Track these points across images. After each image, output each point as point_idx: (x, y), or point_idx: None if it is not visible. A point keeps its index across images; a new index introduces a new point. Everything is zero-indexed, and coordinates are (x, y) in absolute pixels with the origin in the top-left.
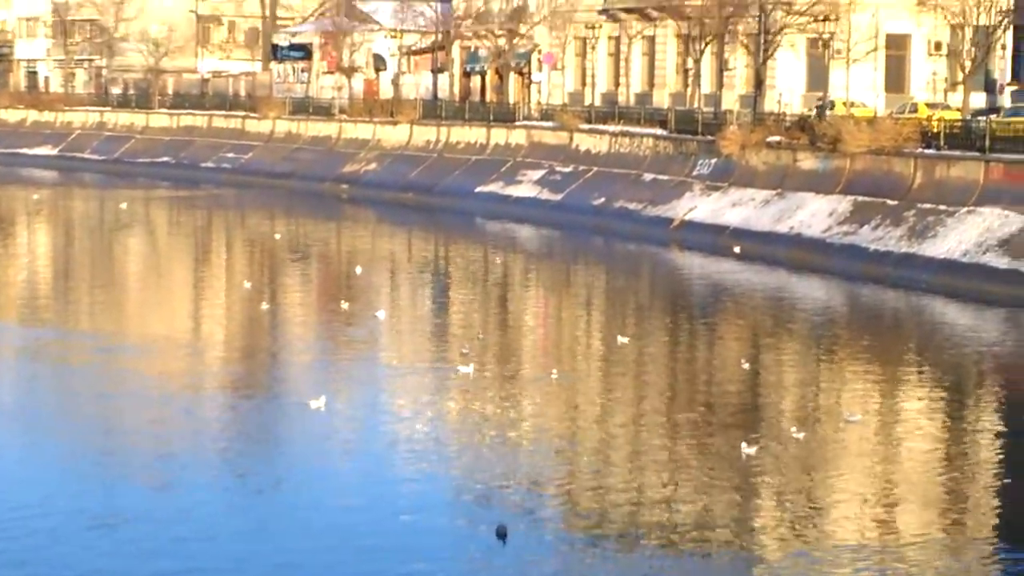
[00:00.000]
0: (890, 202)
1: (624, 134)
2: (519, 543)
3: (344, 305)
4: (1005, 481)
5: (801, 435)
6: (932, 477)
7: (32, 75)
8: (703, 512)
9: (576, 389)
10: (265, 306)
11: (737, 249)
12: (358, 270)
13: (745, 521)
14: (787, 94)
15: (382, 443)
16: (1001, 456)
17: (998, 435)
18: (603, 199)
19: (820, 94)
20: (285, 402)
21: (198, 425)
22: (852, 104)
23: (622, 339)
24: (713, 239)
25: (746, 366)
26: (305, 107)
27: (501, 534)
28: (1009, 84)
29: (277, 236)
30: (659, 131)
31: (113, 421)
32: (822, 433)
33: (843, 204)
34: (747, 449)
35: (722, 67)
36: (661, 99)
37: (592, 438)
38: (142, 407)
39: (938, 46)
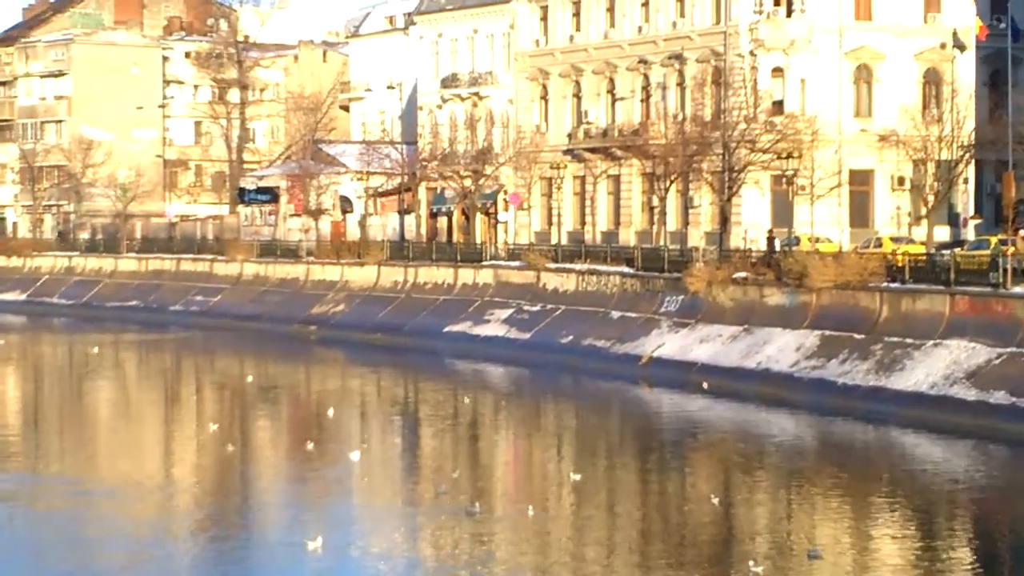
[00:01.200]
0: (857, 336)
1: (591, 272)
2: None
3: (309, 446)
4: None
5: (759, 569)
6: None
7: (0, 220)
8: None
9: (553, 526)
10: (231, 447)
11: (705, 385)
12: (330, 412)
13: None
14: (752, 230)
15: None
16: None
17: (967, 567)
18: (571, 337)
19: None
20: (282, 543)
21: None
22: (817, 239)
23: (575, 477)
24: (682, 375)
25: (715, 501)
26: (273, 249)
27: None
28: (972, 217)
29: (249, 379)
30: (626, 269)
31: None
32: (782, 567)
33: (810, 338)
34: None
35: (687, 204)
36: (627, 237)
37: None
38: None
39: (901, 181)
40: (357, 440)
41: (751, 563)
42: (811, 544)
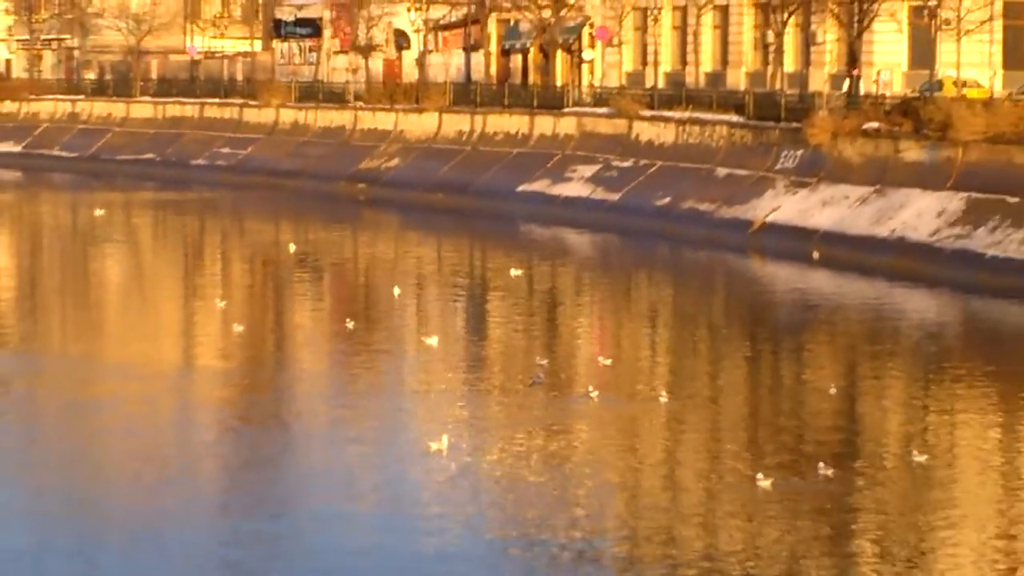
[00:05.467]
0: (1010, 199)
1: (693, 122)
2: None
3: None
4: None
5: (830, 471)
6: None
7: None
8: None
9: (650, 415)
10: (238, 327)
11: (816, 255)
12: (396, 291)
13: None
14: (887, 72)
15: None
16: None
17: None
18: (669, 199)
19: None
20: (406, 443)
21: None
22: (964, 84)
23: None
24: (800, 245)
25: (832, 391)
26: (314, 93)
27: None
28: None
29: (291, 248)
30: (735, 118)
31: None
32: (872, 471)
33: (954, 202)
34: (762, 483)
35: (809, 41)
36: (736, 80)
37: (690, 459)
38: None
39: None
40: (430, 323)
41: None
42: (922, 448)
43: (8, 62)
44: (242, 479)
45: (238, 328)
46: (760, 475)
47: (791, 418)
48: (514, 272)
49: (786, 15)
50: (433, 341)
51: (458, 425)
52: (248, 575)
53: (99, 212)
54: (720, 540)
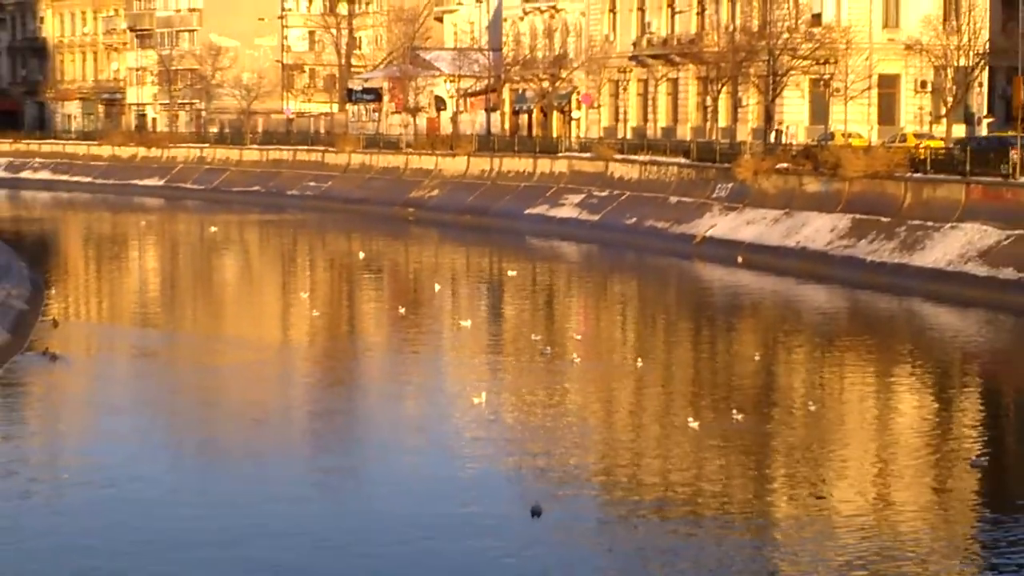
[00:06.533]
0: (884, 219)
1: (652, 163)
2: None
3: (401, 311)
4: (980, 456)
5: (740, 416)
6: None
7: (141, 117)
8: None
9: (638, 375)
10: (314, 312)
11: (740, 259)
12: (436, 287)
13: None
14: (793, 127)
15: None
16: (976, 434)
17: (969, 416)
18: (635, 219)
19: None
20: (451, 395)
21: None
22: (850, 135)
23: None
24: (731, 253)
25: (756, 358)
26: (376, 142)
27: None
28: (985, 116)
29: (360, 255)
30: (683, 160)
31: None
32: (786, 417)
33: (843, 221)
34: (692, 423)
35: (736, 104)
36: (684, 132)
37: (644, 407)
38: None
39: (923, 84)
40: (463, 310)
41: (733, 410)
42: (815, 399)
43: (154, 120)
44: (326, 423)
45: (315, 313)
46: (691, 419)
47: (721, 376)
48: (511, 273)
49: (720, 85)
50: (467, 323)
51: (492, 384)
52: (331, 492)
53: (213, 229)
54: (664, 464)
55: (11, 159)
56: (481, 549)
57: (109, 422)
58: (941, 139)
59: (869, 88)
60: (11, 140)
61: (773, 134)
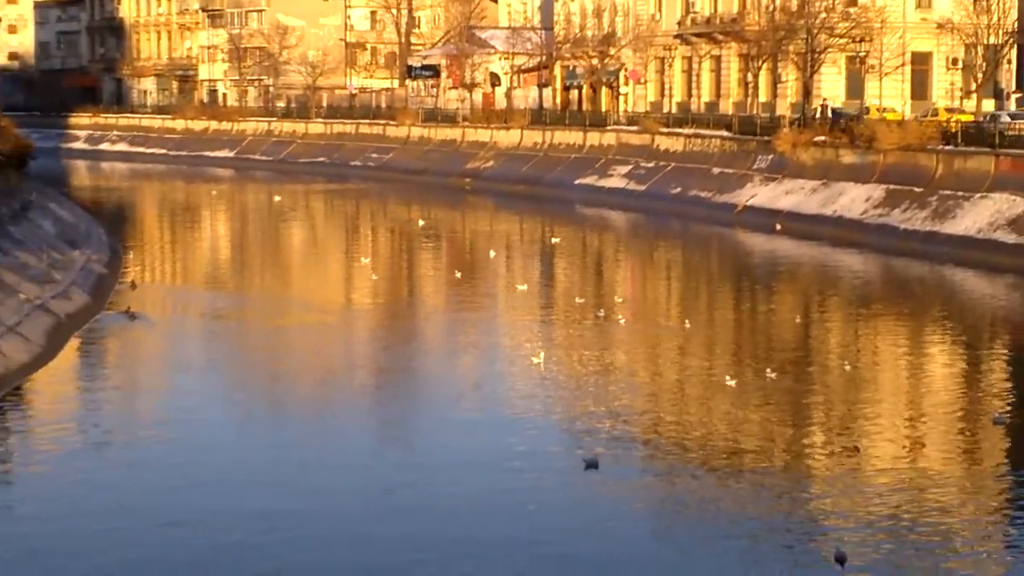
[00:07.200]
0: (916, 189)
1: (696, 136)
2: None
3: (457, 275)
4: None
5: (774, 375)
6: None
7: (213, 92)
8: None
9: (671, 334)
10: (371, 276)
11: (778, 227)
12: (491, 254)
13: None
14: (830, 102)
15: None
16: (1005, 393)
17: (998, 377)
18: (679, 189)
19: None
20: (512, 356)
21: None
22: (884, 110)
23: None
24: (770, 221)
25: (797, 320)
26: (434, 116)
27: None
28: (1014, 92)
29: (421, 223)
30: (725, 133)
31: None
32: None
33: (877, 191)
34: (729, 382)
35: (776, 80)
36: (726, 107)
37: (685, 365)
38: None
39: (955, 61)
40: (518, 274)
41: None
42: (850, 359)
43: (224, 95)
44: (389, 379)
45: (374, 277)
46: (728, 376)
47: (761, 337)
48: (554, 240)
49: (760, 62)
50: (523, 287)
51: (548, 344)
52: (395, 443)
53: (277, 198)
54: (702, 418)
55: (90, 132)
56: (538, 500)
57: (183, 378)
58: (971, 113)
59: (903, 65)
60: (90, 114)
61: (819, 108)
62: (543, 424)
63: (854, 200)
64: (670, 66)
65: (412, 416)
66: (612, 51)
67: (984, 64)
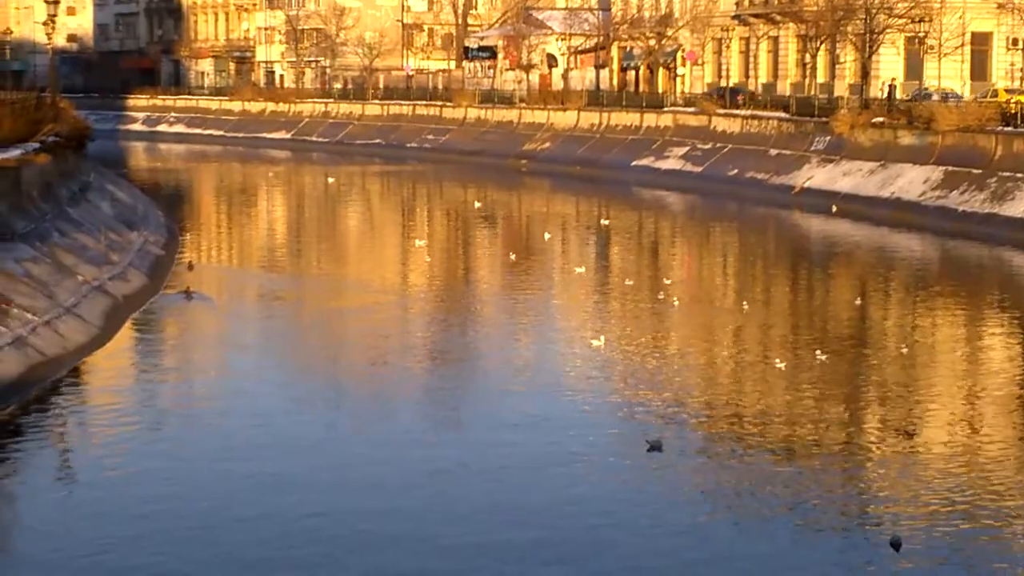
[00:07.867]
0: (975, 171)
1: (753, 117)
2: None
3: (512, 258)
4: None
5: (824, 357)
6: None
7: (270, 74)
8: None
9: (732, 316)
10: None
11: (834, 208)
12: (546, 236)
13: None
14: (890, 82)
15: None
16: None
17: None
18: (736, 170)
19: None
20: (571, 339)
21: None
22: (944, 91)
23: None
24: (828, 203)
25: (858, 303)
26: (491, 97)
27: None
28: None
29: (477, 204)
30: (782, 114)
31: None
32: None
33: (935, 173)
34: (779, 364)
35: (834, 61)
36: (784, 88)
37: (740, 347)
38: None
39: (1015, 42)
40: (573, 256)
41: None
42: (908, 343)
43: (282, 76)
44: (446, 360)
45: (427, 258)
46: (777, 359)
47: (818, 319)
48: (604, 221)
49: (818, 43)
50: (581, 269)
51: (609, 328)
52: (453, 427)
53: (331, 180)
54: (753, 398)
55: (148, 114)
56: (599, 482)
57: (239, 357)
58: None
59: (962, 45)
60: (148, 96)
61: (886, 89)
62: (602, 406)
63: (912, 182)
64: (727, 47)
65: (471, 401)
66: (669, 32)
67: None
